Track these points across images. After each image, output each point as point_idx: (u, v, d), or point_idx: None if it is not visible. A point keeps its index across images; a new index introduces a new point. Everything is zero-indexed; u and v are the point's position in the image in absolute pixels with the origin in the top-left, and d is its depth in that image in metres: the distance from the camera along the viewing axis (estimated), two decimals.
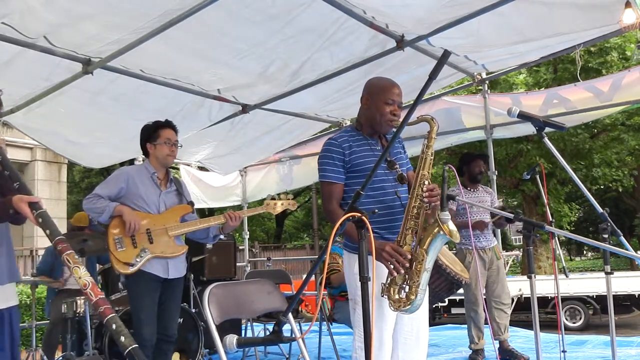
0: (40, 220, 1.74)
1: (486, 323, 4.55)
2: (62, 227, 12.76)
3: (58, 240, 1.62)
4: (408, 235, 2.22)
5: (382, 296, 2.21)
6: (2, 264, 2.18)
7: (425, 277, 2.18)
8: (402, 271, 2.18)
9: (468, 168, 4.68)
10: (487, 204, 4.63)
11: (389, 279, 2.21)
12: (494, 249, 4.60)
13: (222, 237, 3.50)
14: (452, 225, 2.14)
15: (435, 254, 2.22)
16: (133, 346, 1.33)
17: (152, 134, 3.37)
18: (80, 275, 1.53)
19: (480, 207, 4.50)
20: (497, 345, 4.58)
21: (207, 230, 3.39)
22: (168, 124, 3.41)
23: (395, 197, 2.40)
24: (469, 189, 4.68)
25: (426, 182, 2.25)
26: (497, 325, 4.52)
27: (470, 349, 4.64)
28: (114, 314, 1.41)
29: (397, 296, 2.19)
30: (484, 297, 4.58)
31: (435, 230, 2.14)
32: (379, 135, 2.53)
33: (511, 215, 2.57)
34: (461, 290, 4.22)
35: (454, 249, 4.80)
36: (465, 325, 4.74)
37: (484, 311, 4.48)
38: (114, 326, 1.39)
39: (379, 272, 2.24)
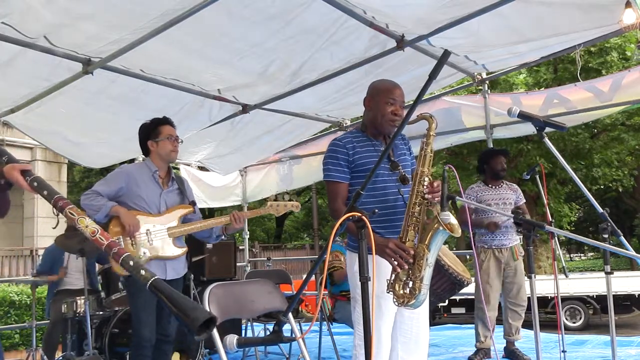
0: (35, 184, 1.70)
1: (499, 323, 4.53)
2: (62, 227, 12.75)
3: (57, 198, 1.60)
4: (410, 231, 2.25)
5: (388, 292, 2.24)
6: None
7: (428, 272, 2.21)
8: (406, 267, 2.21)
9: (489, 165, 4.64)
10: (510, 200, 4.58)
11: (393, 275, 2.24)
12: (512, 249, 4.52)
13: (223, 237, 3.49)
14: (453, 220, 2.16)
15: (437, 249, 2.24)
16: (155, 277, 1.35)
17: (152, 131, 3.33)
18: (87, 224, 1.53)
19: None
20: (503, 345, 4.58)
21: (210, 230, 3.37)
22: (167, 121, 3.38)
23: (399, 196, 2.43)
24: (490, 186, 4.64)
25: (426, 179, 2.27)
26: (509, 325, 4.51)
27: (476, 347, 4.63)
28: (128, 253, 1.44)
29: (401, 291, 2.22)
30: (500, 297, 4.55)
31: (435, 226, 2.17)
32: (383, 137, 2.57)
33: (511, 216, 2.58)
34: (463, 290, 4.21)
35: (454, 248, 4.79)
36: (465, 325, 4.73)
37: (494, 310, 4.46)
38: (131, 262, 1.41)
39: (379, 271, 2.26)
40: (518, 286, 4.51)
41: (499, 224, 4.45)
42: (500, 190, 4.64)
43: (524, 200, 4.74)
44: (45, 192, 1.68)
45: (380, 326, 2.35)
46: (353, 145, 2.48)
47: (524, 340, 4.73)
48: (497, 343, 4.56)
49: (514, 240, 4.57)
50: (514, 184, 4.80)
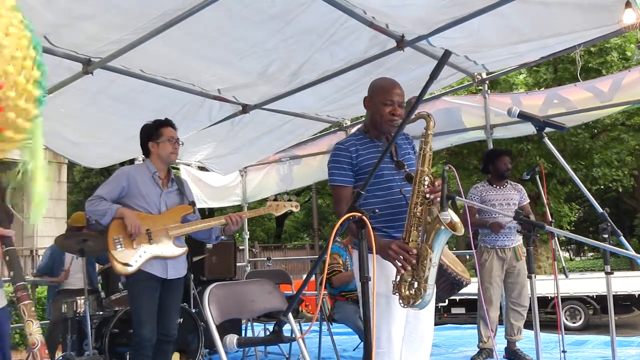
0: (7, 258, 1.72)
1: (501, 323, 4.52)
2: (62, 227, 12.74)
3: (18, 287, 1.61)
4: (413, 231, 2.25)
5: (394, 294, 2.24)
6: None
7: (432, 272, 2.20)
8: (409, 268, 2.20)
9: (494, 166, 4.63)
10: (514, 201, 4.57)
11: (398, 276, 2.24)
12: (515, 249, 4.52)
13: (223, 237, 3.50)
14: (455, 218, 2.16)
15: (441, 248, 2.23)
16: None
17: (154, 132, 3.37)
18: (31, 332, 1.52)
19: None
20: (504, 345, 4.58)
21: (209, 231, 3.39)
22: (168, 123, 3.42)
23: (402, 196, 2.42)
24: (494, 186, 4.64)
25: (426, 178, 2.27)
26: (510, 325, 4.51)
27: (478, 347, 4.64)
28: None
29: (407, 292, 2.22)
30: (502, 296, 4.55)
31: (437, 226, 2.16)
32: (386, 137, 2.56)
33: (511, 216, 2.58)
34: (462, 290, 4.19)
35: (454, 248, 4.79)
36: (465, 325, 4.74)
37: (496, 310, 4.46)
38: None
39: (387, 271, 2.27)
40: (520, 286, 4.50)
41: (502, 224, 4.44)
42: (505, 190, 4.63)
43: (528, 201, 4.73)
44: (11, 273, 1.67)
45: (392, 326, 2.34)
46: (356, 149, 2.48)
47: (524, 340, 4.73)
48: (497, 343, 4.56)
49: (517, 240, 4.55)
50: (519, 185, 4.78)
